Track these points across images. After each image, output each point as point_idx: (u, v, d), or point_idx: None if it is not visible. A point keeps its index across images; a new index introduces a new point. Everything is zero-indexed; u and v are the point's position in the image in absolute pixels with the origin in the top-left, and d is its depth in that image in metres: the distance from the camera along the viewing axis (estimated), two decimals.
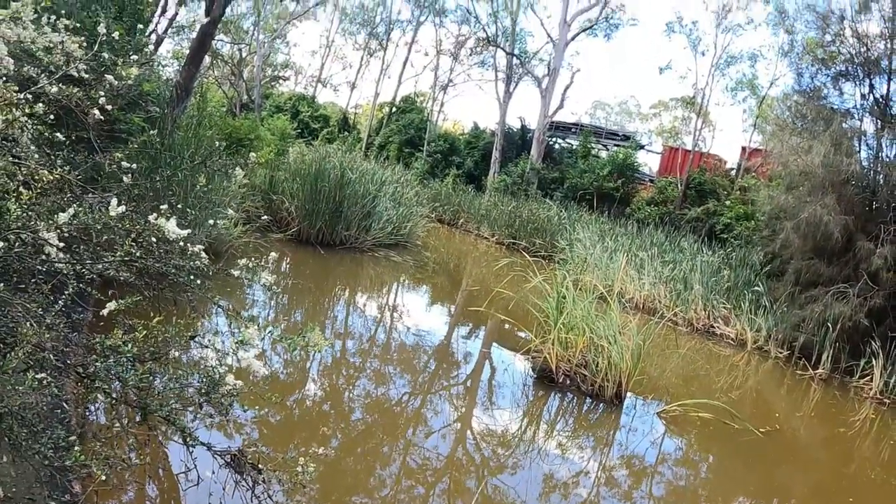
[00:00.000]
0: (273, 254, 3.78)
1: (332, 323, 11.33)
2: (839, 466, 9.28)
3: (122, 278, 3.06)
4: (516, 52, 35.39)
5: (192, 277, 3.22)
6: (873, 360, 12.96)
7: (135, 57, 4.57)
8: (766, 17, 29.39)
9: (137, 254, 2.87)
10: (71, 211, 2.69)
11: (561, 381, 9.17)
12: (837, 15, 15.80)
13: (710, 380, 12.12)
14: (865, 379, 13.08)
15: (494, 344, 11.99)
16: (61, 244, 2.66)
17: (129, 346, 2.47)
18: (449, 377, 9.71)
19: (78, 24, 4.18)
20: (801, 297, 14.51)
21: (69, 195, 3.23)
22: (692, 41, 31.11)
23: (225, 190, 12.26)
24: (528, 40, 37.48)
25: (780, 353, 14.35)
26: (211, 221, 3.78)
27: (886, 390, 12.62)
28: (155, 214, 2.81)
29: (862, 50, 15.23)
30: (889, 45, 14.98)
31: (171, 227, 2.78)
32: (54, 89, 3.62)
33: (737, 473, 8.02)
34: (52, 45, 3.77)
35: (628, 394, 9.20)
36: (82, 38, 3.83)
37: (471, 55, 41.25)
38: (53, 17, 3.91)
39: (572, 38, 34.44)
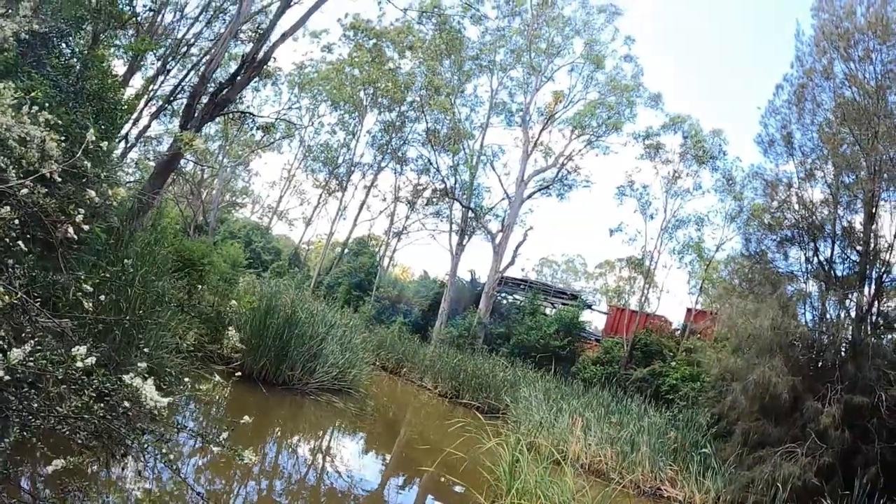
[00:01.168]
0: (246, 417, 3.40)
1: (271, 466, 10.60)
2: None
3: (78, 440, 2.61)
4: (472, 205, 36.29)
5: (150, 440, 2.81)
6: None
7: (125, 176, 4.30)
8: (714, 183, 31.11)
9: (100, 412, 2.48)
10: (27, 347, 2.31)
11: None
12: (785, 182, 16.69)
13: None
14: None
15: None
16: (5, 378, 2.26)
17: None
18: None
19: (60, 122, 3.90)
20: (749, 458, 14.50)
21: (24, 318, 2.87)
22: (642, 204, 32.46)
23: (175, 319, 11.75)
24: (484, 195, 38.50)
25: None
26: (187, 380, 3.37)
27: None
28: (131, 374, 2.44)
29: (807, 215, 15.97)
30: (832, 211, 15.74)
31: (150, 393, 2.40)
32: (24, 191, 3.29)
33: None
34: (28, 138, 3.46)
35: None
36: (61, 138, 3.51)
37: (427, 204, 42.18)
38: (35, 108, 3.63)
39: (528, 196, 35.65)
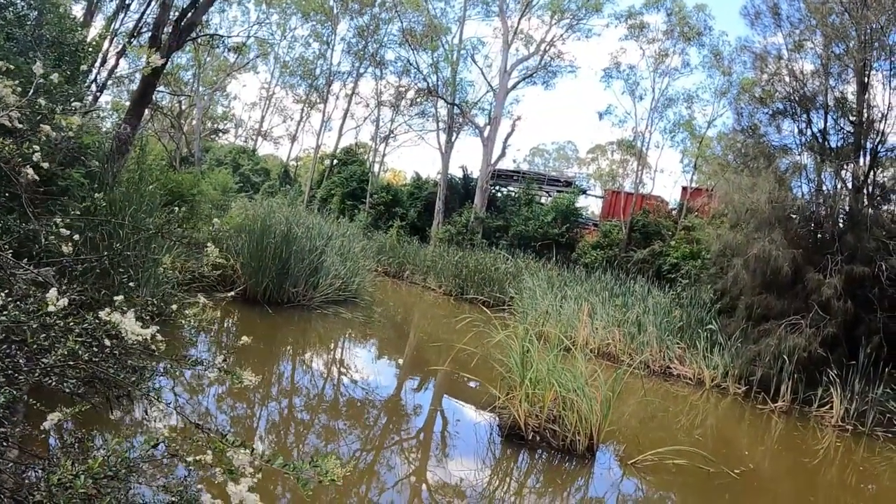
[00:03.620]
0: (245, 338, 3.34)
1: (288, 384, 10.76)
2: (817, 497, 9.25)
3: (66, 389, 2.55)
4: (457, 101, 35.60)
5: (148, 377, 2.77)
6: (831, 388, 13.13)
7: (76, 105, 4.06)
8: (702, 59, 30.45)
9: (85, 356, 2.41)
10: None
11: (530, 438, 8.79)
12: (774, 55, 16.28)
13: (674, 422, 11.94)
14: (825, 407, 13.25)
15: (456, 401, 11.55)
16: None
17: (83, 478, 2.01)
18: (412, 439, 9.22)
19: (12, 67, 3.70)
20: (754, 332, 14.67)
21: None
22: (630, 86, 31.88)
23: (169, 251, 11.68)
24: (468, 90, 37.71)
25: (739, 389, 14.39)
26: (174, 307, 3.29)
27: (847, 417, 12.80)
28: (108, 309, 2.34)
29: (798, 87, 15.66)
30: (823, 82, 15.43)
31: (130, 325, 2.32)
32: None
33: None
34: None
35: (600, 446, 8.89)
36: (16, 83, 3.33)
37: (411, 106, 41.40)
38: None
39: (512, 87, 34.95)
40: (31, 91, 3.34)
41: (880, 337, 13.43)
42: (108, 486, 2.13)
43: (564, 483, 8.28)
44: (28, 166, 3.20)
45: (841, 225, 15.15)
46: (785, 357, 13.53)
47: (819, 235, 15.55)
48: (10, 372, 2.35)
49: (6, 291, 2.47)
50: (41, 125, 3.27)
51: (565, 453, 8.64)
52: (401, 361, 14.65)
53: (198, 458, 2.26)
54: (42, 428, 2.25)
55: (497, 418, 9.48)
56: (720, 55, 29.19)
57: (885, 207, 15.19)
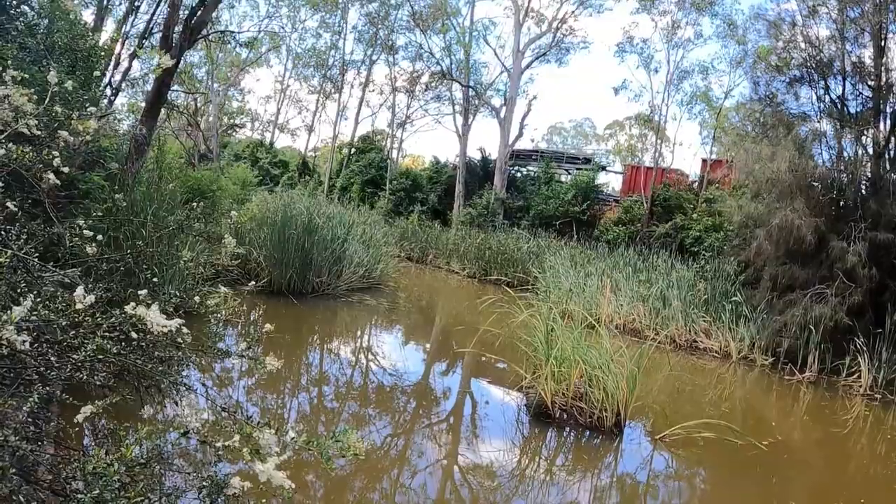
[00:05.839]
0: (268, 325, 3.41)
1: (317, 373, 10.90)
2: (848, 467, 9.23)
3: (97, 382, 2.64)
4: (472, 83, 35.48)
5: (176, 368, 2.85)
6: (858, 357, 13.04)
7: (92, 109, 4.13)
8: (715, 29, 30.08)
9: (114, 350, 2.49)
10: (28, 303, 2.30)
11: (558, 416, 8.84)
12: (788, 21, 16.05)
13: (701, 396, 11.92)
14: (853, 377, 13.17)
15: (484, 382, 11.62)
16: (26, 339, 2.27)
17: (116, 466, 2.09)
18: (442, 423, 9.31)
19: (27, 76, 3.78)
20: (779, 303, 14.55)
21: (24, 275, 2.85)
22: (644, 59, 31.56)
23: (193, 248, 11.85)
24: (482, 71, 37.60)
25: (766, 360, 14.31)
26: (197, 299, 3.37)
27: (875, 385, 12.71)
28: (133, 303, 2.42)
29: (814, 53, 15.43)
30: (840, 47, 15.20)
31: (155, 318, 2.39)
32: (1, 151, 3.21)
33: (753, 491, 7.72)
34: None
35: (628, 421, 8.92)
36: (31, 91, 3.41)
37: (426, 90, 41.34)
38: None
39: (526, 67, 34.78)
40: (48, 99, 3.42)
41: None
42: (140, 474, 2.21)
43: (593, 460, 8.33)
44: (49, 172, 3.28)
45: (863, 191, 14.94)
46: (811, 327, 13.41)
47: (841, 203, 15.34)
48: (42, 369, 2.45)
49: (35, 293, 2.55)
50: (59, 131, 3.35)
51: (593, 430, 8.68)
52: (427, 346, 14.75)
53: (226, 443, 2.34)
54: (76, 421, 2.34)
55: (524, 398, 9.55)
56: (734, 24, 28.78)
57: None
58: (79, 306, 2.44)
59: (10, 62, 3.86)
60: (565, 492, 7.18)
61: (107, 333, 2.54)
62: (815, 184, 15.19)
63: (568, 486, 7.35)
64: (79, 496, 2.00)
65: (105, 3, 15.15)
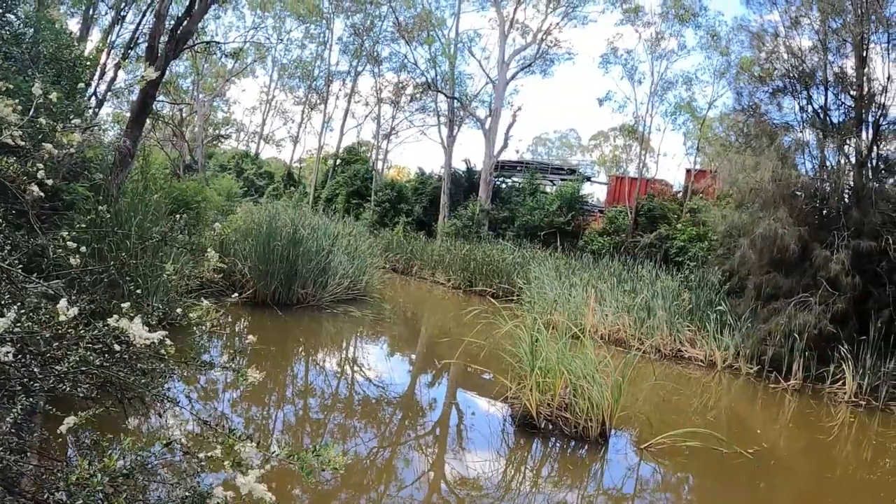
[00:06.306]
0: (251, 336, 3.41)
1: (302, 384, 10.85)
2: (834, 473, 9.22)
3: (80, 393, 2.64)
4: (457, 94, 35.60)
5: (159, 381, 2.85)
6: (843, 364, 13.13)
7: (77, 121, 4.12)
8: (699, 41, 30.43)
9: (97, 362, 2.49)
10: (11, 314, 2.29)
11: (543, 426, 8.85)
12: (771, 32, 16.23)
13: (687, 405, 11.97)
14: (838, 384, 13.27)
15: (469, 394, 11.62)
16: (9, 351, 2.27)
17: (99, 476, 2.09)
18: (428, 434, 9.30)
19: (11, 87, 3.77)
20: (764, 311, 14.64)
21: (8, 286, 2.84)
22: (628, 70, 31.85)
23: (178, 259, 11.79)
24: (467, 83, 37.74)
25: (751, 368, 14.40)
26: (179, 311, 3.36)
27: (860, 392, 12.82)
28: (116, 316, 2.43)
29: (797, 64, 15.60)
30: (822, 57, 15.38)
31: (138, 330, 2.40)
32: None
33: (739, 498, 7.76)
34: None
35: (613, 431, 8.95)
36: (16, 101, 3.39)
37: (411, 101, 41.44)
38: None
39: (511, 78, 34.96)
40: (32, 109, 3.41)
41: (890, 310, 13.38)
42: (124, 485, 2.21)
43: (579, 470, 8.34)
44: (33, 183, 3.27)
45: (846, 200, 15.06)
46: (795, 335, 13.51)
47: (824, 212, 15.48)
48: (25, 380, 2.44)
49: (18, 305, 2.54)
50: (43, 143, 3.34)
51: (578, 440, 8.70)
52: (413, 357, 14.73)
53: (209, 454, 2.34)
54: (59, 432, 2.33)
55: (510, 408, 9.56)
56: (717, 36, 29.15)
57: (889, 181, 15.06)
58: (62, 318, 2.44)
59: None
60: (551, 502, 7.18)
61: (90, 345, 2.53)
62: (799, 193, 15.33)
63: (553, 496, 7.35)
64: None
65: (91, 12, 15.13)
